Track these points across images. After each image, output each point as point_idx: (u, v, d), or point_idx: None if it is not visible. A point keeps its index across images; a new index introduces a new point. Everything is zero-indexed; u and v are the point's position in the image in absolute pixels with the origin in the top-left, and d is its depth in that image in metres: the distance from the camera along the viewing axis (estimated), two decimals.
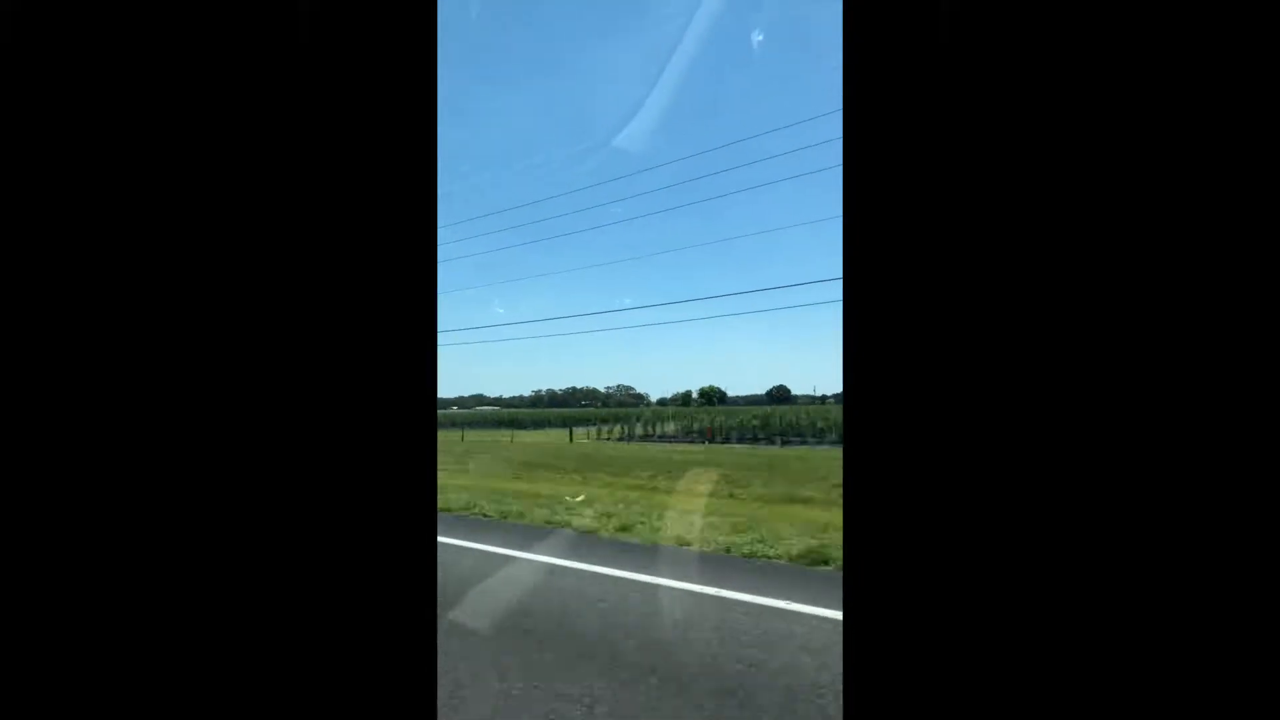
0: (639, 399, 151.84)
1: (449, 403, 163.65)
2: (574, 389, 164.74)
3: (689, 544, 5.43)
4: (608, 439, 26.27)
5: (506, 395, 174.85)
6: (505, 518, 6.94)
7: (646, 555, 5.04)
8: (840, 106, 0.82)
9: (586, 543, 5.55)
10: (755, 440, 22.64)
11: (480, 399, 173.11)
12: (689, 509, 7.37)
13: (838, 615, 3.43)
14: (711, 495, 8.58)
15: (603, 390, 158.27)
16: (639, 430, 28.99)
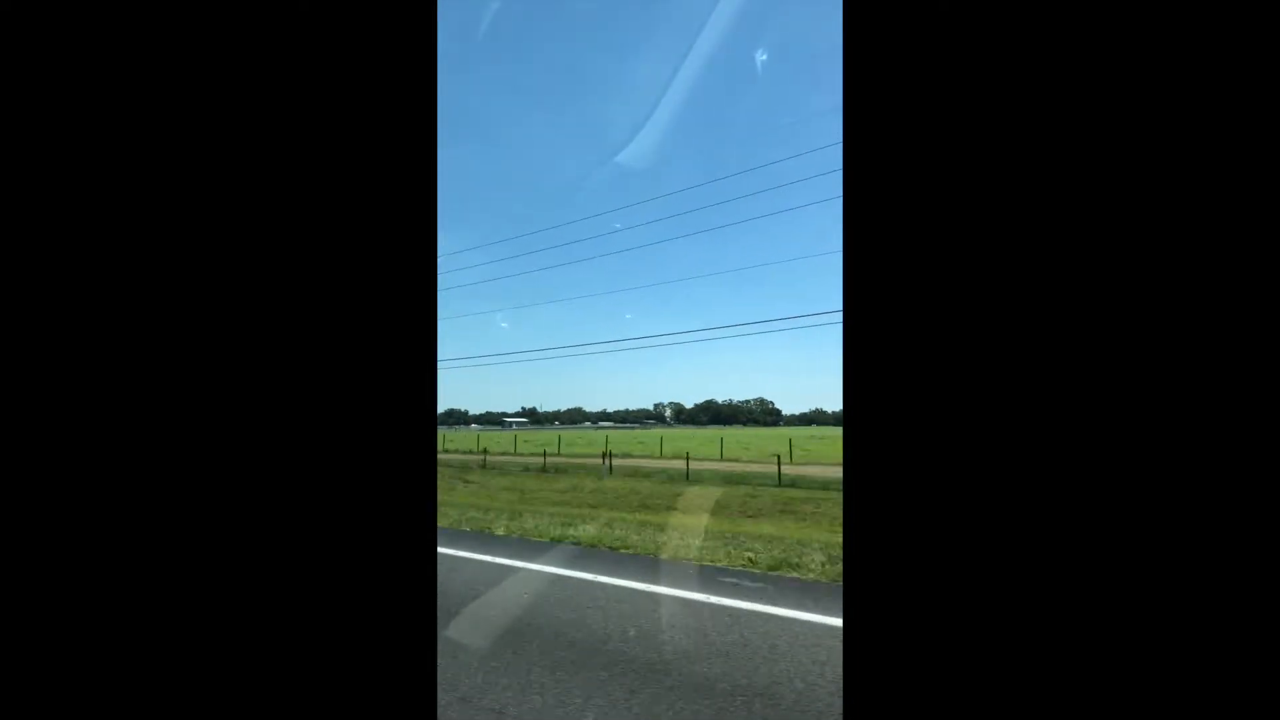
0: (775, 414, 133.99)
1: (551, 417, 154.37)
2: (712, 401, 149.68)
3: None
4: None
5: (612, 409, 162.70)
6: None
7: None
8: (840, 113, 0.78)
9: None
10: None
11: (580, 412, 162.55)
12: None
13: None
14: None
15: (744, 404, 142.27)
16: None
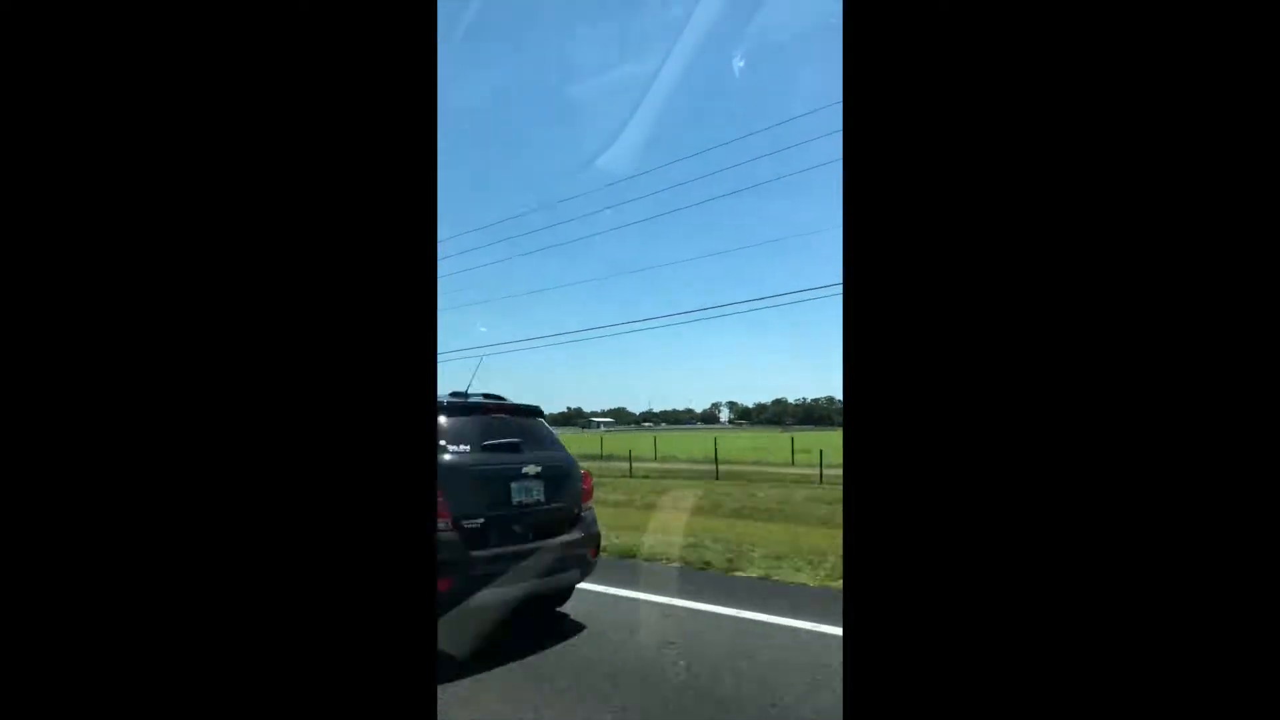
0: (839, 413, 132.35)
1: (631, 416, 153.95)
2: (782, 400, 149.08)
3: None
4: None
5: (658, 409, 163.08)
6: None
7: None
8: (839, 117, 0.78)
9: None
10: None
11: (625, 413, 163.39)
12: None
13: None
14: None
15: (815, 402, 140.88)
16: None
